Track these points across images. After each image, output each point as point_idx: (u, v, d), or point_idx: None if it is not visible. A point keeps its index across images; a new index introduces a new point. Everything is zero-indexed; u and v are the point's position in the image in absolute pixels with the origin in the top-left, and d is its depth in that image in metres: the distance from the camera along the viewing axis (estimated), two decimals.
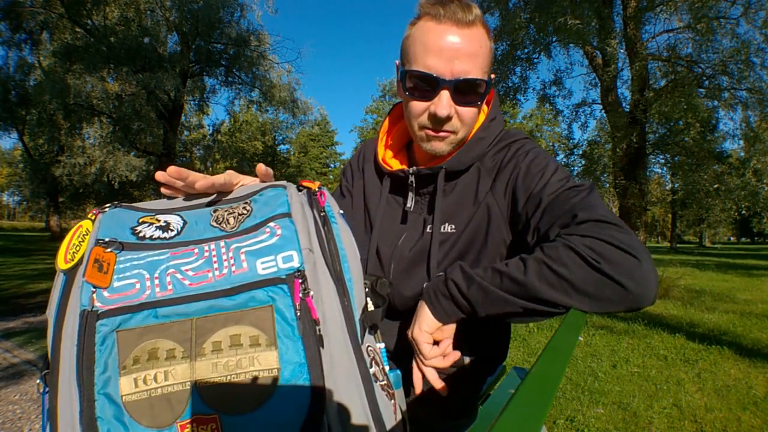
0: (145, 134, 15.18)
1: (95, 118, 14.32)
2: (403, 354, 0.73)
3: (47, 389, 0.49)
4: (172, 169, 0.58)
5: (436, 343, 0.65)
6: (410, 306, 0.72)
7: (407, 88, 0.75)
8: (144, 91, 12.95)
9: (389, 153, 0.91)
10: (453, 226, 0.78)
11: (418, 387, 0.67)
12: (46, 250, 14.79)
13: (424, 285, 0.67)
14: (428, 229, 0.80)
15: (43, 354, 3.81)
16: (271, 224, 0.55)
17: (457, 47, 0.69)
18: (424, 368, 0.66)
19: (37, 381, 0.51)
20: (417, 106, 0.74)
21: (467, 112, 0.74)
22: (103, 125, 14.60)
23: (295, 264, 0.51)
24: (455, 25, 0.69)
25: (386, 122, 0.92)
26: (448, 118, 0.72)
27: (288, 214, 0.56)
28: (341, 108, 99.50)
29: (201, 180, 0.58)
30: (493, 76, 0.78)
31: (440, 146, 0.77)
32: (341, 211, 0.64)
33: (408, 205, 0.83)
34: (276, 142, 30.09)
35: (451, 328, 0.66)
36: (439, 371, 0.67)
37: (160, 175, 0.59)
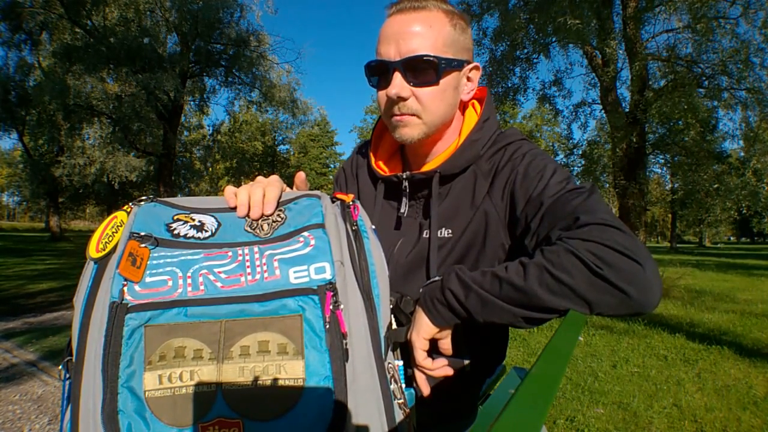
0: (145, 135, 15.22)
1: (95, 119, 14.33)
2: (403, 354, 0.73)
3: (68, 376, 0.49)
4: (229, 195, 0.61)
5: (435, 342, 0.65)
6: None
7: (371, 82, 0.77)
8: (144, 91, 12.94)
9: (383, 157, 0.89)
10: (450, 231, 0.77)
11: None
12: (46, 251, 14.79)
13: (420, 290, 0.67)
14: (425, 235, 0.79)
15: (53, 349, 3.82)
16: (305, 234, 0.55)
17: (401, 29, 0.72)
18: (415, 371, 0.66)
19: (59, 367, 0.51)
20: (380, 96, 0.76)
21: (424, 93, 0.73)
22: (103, 126, 14.60)
23: (327, 276, 0.52)
24: (400, 12, 0.73)
25: (378, 126, 0.91)
26: (401, 99, 0.73)
27: (322, 225, 0.56)
28: (341, 108, 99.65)
29: (268, 206, 0.59)
30: (476, 65, 0.78)
31: (407, 132, 0.76)
32: (373, 227, 0.65)
33: (401, 210, 0.82)
34: (276, 143, 30.13)
35: (449, 329, 0.66)
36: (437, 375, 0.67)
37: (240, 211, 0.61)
